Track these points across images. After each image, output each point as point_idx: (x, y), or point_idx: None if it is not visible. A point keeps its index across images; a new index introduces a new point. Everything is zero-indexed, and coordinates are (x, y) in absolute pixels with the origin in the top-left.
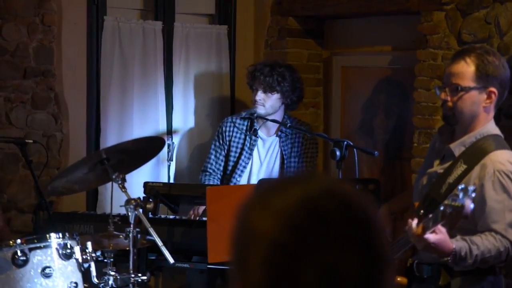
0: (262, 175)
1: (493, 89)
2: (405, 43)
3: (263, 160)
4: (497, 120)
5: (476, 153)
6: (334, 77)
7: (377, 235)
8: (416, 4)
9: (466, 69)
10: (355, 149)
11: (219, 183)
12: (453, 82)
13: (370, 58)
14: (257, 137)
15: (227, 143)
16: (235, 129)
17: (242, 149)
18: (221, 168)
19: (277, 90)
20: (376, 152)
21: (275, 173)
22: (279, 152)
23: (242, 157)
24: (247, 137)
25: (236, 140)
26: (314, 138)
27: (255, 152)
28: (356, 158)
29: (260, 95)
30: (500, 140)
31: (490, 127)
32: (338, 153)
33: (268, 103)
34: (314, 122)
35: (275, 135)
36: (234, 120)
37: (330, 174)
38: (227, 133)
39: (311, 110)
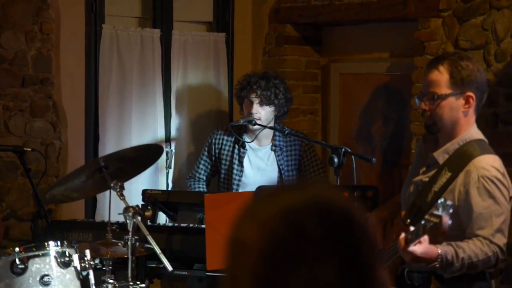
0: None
1: (470, 93)
2: (403, 50)
3: (256, 171)
4: (495, 126)
5: (460, 160)
6: (332, 84)
7: (362, 242)
8: (413, 11)
9: (440, 77)
10: (353, 156)
11: (206, 190)
12: (430, 90)
13: (368, 65)
14: (245, 149)
15: (216, 155)
16: (224, 142)
17: (232, 162)
18: (206, 178)
19: (274, 103)
20: (373, 159)
21: (273, 183)
22: (275, 163)
23: (234, 170)
24: (236, 149)
25: (225, 153)
26: (312, 146)
27: (246, 163)
28: (354, 165)
29: (256, 108)
30: (484, 144)
31: (472, 132)
32: (336, 160)
33: (263, 116)
34: (312, 129)
35: (268, 146)
36: (222, 133)
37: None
38: (216, 145)
39: (309, 117)
